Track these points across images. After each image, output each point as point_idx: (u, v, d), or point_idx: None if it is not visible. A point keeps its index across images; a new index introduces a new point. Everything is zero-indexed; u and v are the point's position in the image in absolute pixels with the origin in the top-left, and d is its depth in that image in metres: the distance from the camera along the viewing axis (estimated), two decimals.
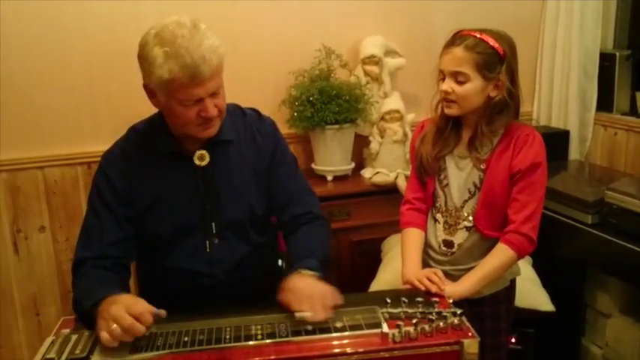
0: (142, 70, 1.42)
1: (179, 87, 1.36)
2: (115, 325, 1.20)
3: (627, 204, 2.05)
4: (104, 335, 1.20)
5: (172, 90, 1.37)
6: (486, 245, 1.59)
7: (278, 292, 1.61)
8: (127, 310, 1.21)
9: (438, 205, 1.65)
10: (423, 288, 1.45)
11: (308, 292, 1.31)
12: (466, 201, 1.59)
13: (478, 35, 1.51)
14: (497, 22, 2.76)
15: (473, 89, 1.51)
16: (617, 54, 2.70)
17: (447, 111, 1.56)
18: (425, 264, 1.68)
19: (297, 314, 1.26)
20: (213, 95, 1.40)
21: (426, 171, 1.63)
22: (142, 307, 1.24)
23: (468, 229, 1.59)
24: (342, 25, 2.62)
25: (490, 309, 1.62)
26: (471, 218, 1.59)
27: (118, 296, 1.28)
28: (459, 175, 1.59)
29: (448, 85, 1.52)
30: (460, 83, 1.51)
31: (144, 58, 1.39)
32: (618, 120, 2.70)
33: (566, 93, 2.78)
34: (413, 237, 1.65)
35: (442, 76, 1.56)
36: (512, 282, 1.69)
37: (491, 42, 1.50)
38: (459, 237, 1.60)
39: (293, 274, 1.40)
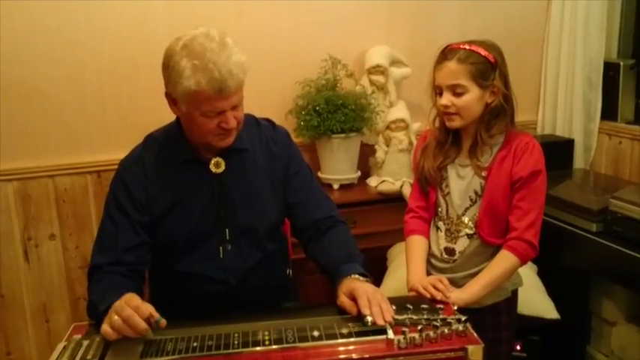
0: (167, 80, 1.43)
1: (204, 99, 1.38)
2: (115, 317, 1.23)
3: (632, 212, 2.06)
4: (104, 327, 1.24)
5: (197, 101, 1.40)
6: (487, 252, 1.61)
7: (286, 299, 1.63)
8: (127, 302, 1.25)
9: (439, 213, 1.67)
10: (428, 295, 1.46)
11: (372, 297, 1.32)
12: (467, 209, 1.61)
13: (467, 47, 1.54)
14: (501, 32, 2.83)
15: (471, 99, 1.54)
16: (622, 63, 2.71)
17: (449, 124, 1.59)
18: (426, 272, 1.70)
19: (368, 318, 1.27)
20: (234, 108, 1.43)
21: (428, 182, 1.66)
22: (140, 301, 1.26)
23: (469, 236, 1.61)
24: (347, 35, 2.65)
25: (491, 319, 1.63)
26: (472, 225, 1.61)
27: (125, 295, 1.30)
28: (460, 184, 1.62)
29: (447, 99, 1.55)
30: (458, 95, 1.54)
31: (170, 68, 1.40)
32: (623, 129, 2.71)
33: (571, 102, 2.80)
34: (417, 244, 1.67)
35: (438, 91, 1.58)
36: (514, 293, 1.70)
37: (482, 52, 1.54)
38: (460, 244, 1.62)
39: (346, 280, 1.41)
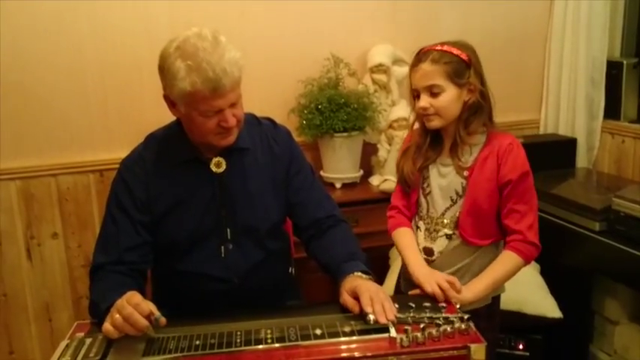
0: (163, 82, 1.44)
1: (201, 99, 1.38)
2: (117, 315, 1.23)
3: (634, 211, 2.06)
4: (106, 326, 1.25)
5: (194, 102, 1.40)
6: (466, 253, 1.59)
7: (289, 297, 1.62)
8: (127, 301, 1.25)
9: (420, 212, 1.66)
10: (441, 297, 1.43)
11: (374, 295, 1.32)
12: (447, 208, 1.60)
13: (440, 48, 1.54)
14: (504, 31, 2.83)
15: (449, 99, 1.53)
16: (625, 62, 2.71)
17: (429, 125, 1.57)
18: (405, 273, 1.69)
19: (370, 317, 1.27)
20: (232, 106, 1.43)
21: (408, 184, 1.65)
22: (140, 298, 1.27)
23: (448, 236, 1.60)
24: (350, 34, 2.65)
25: None
26: (451, 225, 1.59)
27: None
28: (441, 183, 1.60)
29: (425, 100, 1.55)
30: (435, 95, 1.53)
31: (166, 71, 1.41)
32: (626, 128, 2.71)
33: (574, 101, 2.80)
34: (409, 236, 1.65)
35: (416, 94, 1.58)
36: (495, 299, 1.67)
37: (455, 51, 1.54)
38: (439, 245, 1.61)
39: (349, 278, 1.41)
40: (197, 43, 1.37)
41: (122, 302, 1.25)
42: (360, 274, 1.43)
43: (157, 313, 1.26)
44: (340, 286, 1.42)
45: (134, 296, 1.27)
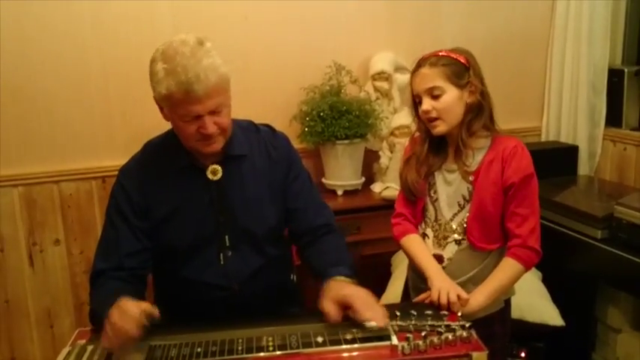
0: (150, 85, 1.47)
1: (176, 103, 1.40)
2: (108, 329, 1.24)
3: (637, 219, 2.05)
4: (103, 341, 1.26)
5: (171, 105, 1.42)
6: (476, 259, 1.59)
7: (290, 304, 1.62)
8: (117, 309, 1.26)
9: (427, 219, 1.66)
10: (444, 307, 1.43)
11: (367, 300, 1.32)
12: (455, 214, 1.60)
13: (439, 53, 1.57)
14: (506, 39, 2.84)
15: (451, 100, 1.54)
16: (626, 70, 2.72)
17: (434, 131, 1.58)
18: (414, 282, 1.69)
19: (368, 323, 1.27)
20: (213, 113, 1.43)
21: (413, 193, 1.65)
22: (129, 304, 1.27)
23: (457, 242, 1.60)
24: (352, 41, 2.65)
25: (483, 330, 1.59)
26: (460, 231, 1.59)
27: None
28: (448, 189, 1.61)
29: (427, 104, 1.55)
30: (436, 98, 1.54)
31: (150, 74, 1.44)
32: (627, 135, 2.71)
33: (575, 108, 2.80)
34: (420, 243, 1.65)
35: (418, 100, 1.59)
36: (507, 302, 1.67)
37: (453, 55, 1.56)
38: (448, 251, 1.60)
39: (332, 282, 1.41)
40: (178, 48, 1.40)
41: (111, 314, 1.26)
42: (342, 277, 1.43)
43: (148, 310, 1.26)
44: (324, 289, 1.41)
45: (121, 304, 1.28)
